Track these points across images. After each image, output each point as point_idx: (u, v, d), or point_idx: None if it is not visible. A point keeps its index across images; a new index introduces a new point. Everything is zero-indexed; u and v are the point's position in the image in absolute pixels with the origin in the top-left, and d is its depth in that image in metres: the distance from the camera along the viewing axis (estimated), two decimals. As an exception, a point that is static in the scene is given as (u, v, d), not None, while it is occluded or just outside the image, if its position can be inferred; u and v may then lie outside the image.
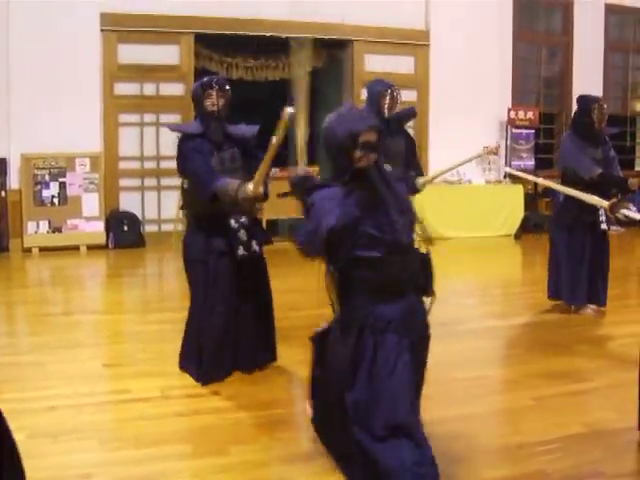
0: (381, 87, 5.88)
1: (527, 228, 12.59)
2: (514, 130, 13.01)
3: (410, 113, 6.39)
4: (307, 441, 3.67)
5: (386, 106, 5.82)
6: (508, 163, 12.93)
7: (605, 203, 5.93)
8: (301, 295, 7.41)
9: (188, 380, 4.72)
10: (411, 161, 6.06)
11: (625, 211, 5.88)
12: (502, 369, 5.15)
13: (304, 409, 4.07)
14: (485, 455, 3.60)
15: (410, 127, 12.27)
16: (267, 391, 4.48)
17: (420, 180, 5.87)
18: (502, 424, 4.08)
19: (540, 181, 7.11)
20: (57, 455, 3.58)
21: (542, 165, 13.64)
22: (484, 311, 7.20)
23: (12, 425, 3.79)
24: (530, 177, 7.90)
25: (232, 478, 3.35)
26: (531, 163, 13.10)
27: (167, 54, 10.98)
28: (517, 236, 12.25)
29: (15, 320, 7.05)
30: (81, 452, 3.61)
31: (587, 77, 13.77)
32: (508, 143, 13.03)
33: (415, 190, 5.80)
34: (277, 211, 11.23)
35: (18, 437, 3.69)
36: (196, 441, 3.69)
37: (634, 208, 5.95)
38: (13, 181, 10.49)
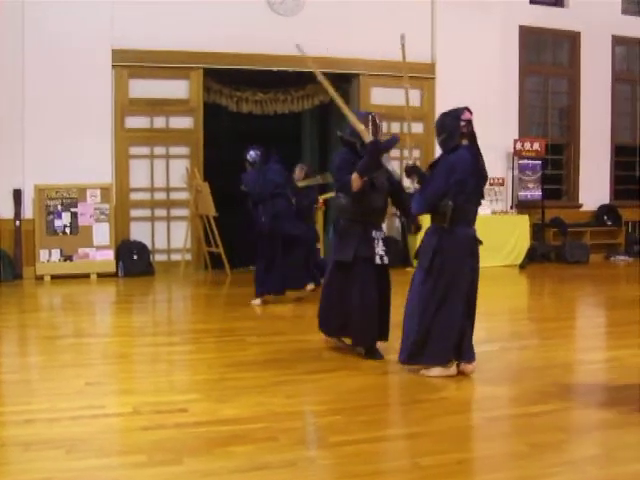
0: (360, 116, 6.19)
1: (534, 258, 12.70)
2: (520, 161, 13.18)
3: (393, 141, 6.49)
4: (256, 455, 3.88)
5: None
6: (515, 194, 13.10)
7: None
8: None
9: (161, 398, 4.95)
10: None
11: None
12: (459, 391, 5.27)
13: (262, 426, 4.32)
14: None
15: (418, 159, 12.54)
16: (232, 409, 4.68)
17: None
18: (452, 442, 4.23)
19: None
20: (25, 462, 3.83)
21: (550, 195, 13.76)
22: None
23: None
24: None
25: (178, 485, 3.58)
26: (538, 193, 13.23)
27: (177, 88, 11.40)
28: (522, 266, 12.34)
29: (16, 342, 7.32)
30: (47, 460, 3.84)
31: (595, 108, 13.96)
32: (515, 174, 13.19)
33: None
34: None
35: (-8, 447, 4.01)
36: (153, 452, 3.91)
37: None
38: (27, 211, 10.89)
